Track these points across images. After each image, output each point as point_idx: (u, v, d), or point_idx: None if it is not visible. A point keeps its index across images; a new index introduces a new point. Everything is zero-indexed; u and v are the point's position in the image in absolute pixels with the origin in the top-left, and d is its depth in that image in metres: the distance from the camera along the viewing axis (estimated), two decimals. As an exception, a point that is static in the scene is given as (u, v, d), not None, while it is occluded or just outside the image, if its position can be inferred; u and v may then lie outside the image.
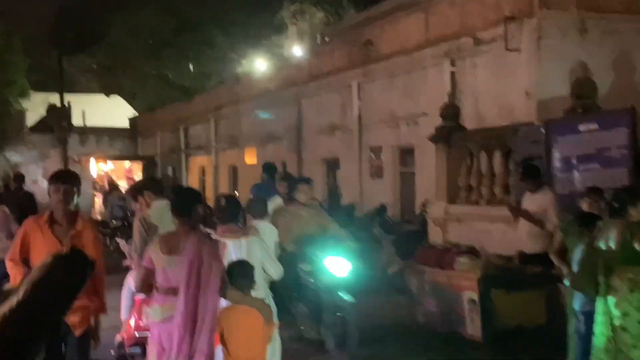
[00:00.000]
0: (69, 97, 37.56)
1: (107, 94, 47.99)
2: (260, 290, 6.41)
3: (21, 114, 43.30)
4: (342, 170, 19.97)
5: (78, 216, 5.59)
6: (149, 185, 7.67)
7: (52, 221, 5.48)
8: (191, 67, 37.58)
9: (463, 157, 12.86)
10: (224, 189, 26.80)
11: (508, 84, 13.92)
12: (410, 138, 16.86)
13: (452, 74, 15.44)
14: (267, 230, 7.67)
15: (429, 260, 9.48)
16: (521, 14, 13.47)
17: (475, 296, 8.39)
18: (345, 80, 19.23)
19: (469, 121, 14.08)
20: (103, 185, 29.27)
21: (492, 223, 11.63)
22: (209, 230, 6.75)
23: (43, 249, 5.25)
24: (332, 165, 20.62)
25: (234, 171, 26.51)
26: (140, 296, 6.85)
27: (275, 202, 9.72)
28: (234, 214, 6.89)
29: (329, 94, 20.20)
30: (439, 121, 15.70)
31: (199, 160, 29.73)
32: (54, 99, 38.52)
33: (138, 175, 30.91)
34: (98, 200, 29.42)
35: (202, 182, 29.52)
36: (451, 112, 13.25)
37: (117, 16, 38.09)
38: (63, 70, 38.47)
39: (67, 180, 5.55)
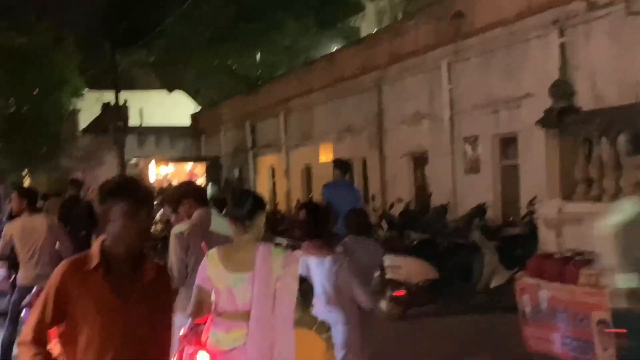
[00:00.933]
0: (125, 95, 37.52)
1: (169, 89, 47.99)
2: (348, 319, 6.15)
3: (74, 114, 43.56)
4: (431, 166, 18.94)
5: (145, 257, 3.74)
6: (190, 193, 6.85)
7: (106, 266, 3.59)
8: (258, 56, 37.10)
9: (579, 144, 11.71)
10: (296, 191, 26.08)
11: (632, 56, 12.74)
12: (511, 125, 15.76)
13: (562, 46, 14.33)
14: (367, 249, 7.27)
15: (545, 272, 8.43)
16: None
17: (607, 317, 7.31)
18: (433, 60, 18.23)
19: (584, 102, 12.89)
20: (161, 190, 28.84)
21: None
22: (280, 240, 6.25)
23: (91, 317, 3.54)
24: (419, 160, 19.61)
25: (307, 171, 25.74)
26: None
27: None
28: (318, 227, 6.46)
29: (413, 77, 19.22)
30: (546, 103, 14.60)
31: (268, 160, 29.06)
32: (110, 97, 38.52)
33: (202, 179, 30.46)
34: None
35: (272, 185, 28.86)
36: (563, 90, 12.03)
37: (173, 4, 37.85)
38: (117, 65, 38.41)
39: (133, 194, 3.64)
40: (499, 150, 16.56)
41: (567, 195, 11.85)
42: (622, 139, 10.93)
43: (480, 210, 14.93)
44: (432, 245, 13.68)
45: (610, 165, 11.09)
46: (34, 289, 8.72)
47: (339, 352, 6.03)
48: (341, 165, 12.31)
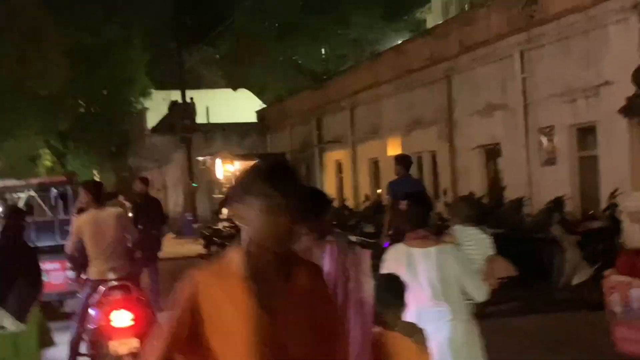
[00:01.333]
0: (191, 94, 37.49)
1: (234, 87, 47.87)
2: (456, 314, 5.59)
3: (142, 113, 43.75)
4: (504, 158, 18.30)
5: (295, 259, 3.03)
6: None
7: (252, 275, 2.87)
8: (323, 50, 36.70)
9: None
10: (364, 186, 25.63)
11: None
12: (590, 114, 15.07)
13: (643, 30, 13.60)
14: (475, 239, 7.04)
15: (637, 269, 7.86)
16: None
17: None
18: (505, 49, 17.59)
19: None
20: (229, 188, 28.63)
21: None
22: (353, 238, 5.78)
23: (234, 337, 2.83)
24: (492, 152, 18.99)
25: (375, 165, 25.26)
26: None
27: None
28: (421, 216, 5.95)
29: (485, 67, 18.59)
30: (627, 90, 13.93)
31: (335, 155, 28.65)
32: (176, 96, 38.52)
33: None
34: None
35: (339, 180, 28.45)
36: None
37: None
38: (184, 63, 38.40)
39: (293, 187, 2.87)
40: (576, 140, 15.86)
41: (654, 186, 11.24)
42: None
43: (558, 203, 14.28)
44: (509, 240, 13.08)
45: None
46: (101, 287, 8.49)
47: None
48: (402, 161, 12.04)
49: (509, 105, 17.58)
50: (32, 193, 13.69)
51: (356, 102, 26.27)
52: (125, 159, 42.67)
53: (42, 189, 14.01)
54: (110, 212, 9.04)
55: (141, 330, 8.30)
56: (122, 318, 8.25)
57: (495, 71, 18.16)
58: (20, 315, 8.27)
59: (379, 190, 23.15)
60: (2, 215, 13.74)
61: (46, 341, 8.50)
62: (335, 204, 23.69)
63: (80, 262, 9.11)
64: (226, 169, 30.95)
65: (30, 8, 31.01)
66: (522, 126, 17.06)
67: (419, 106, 21.73)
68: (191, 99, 37.21)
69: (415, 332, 4.97)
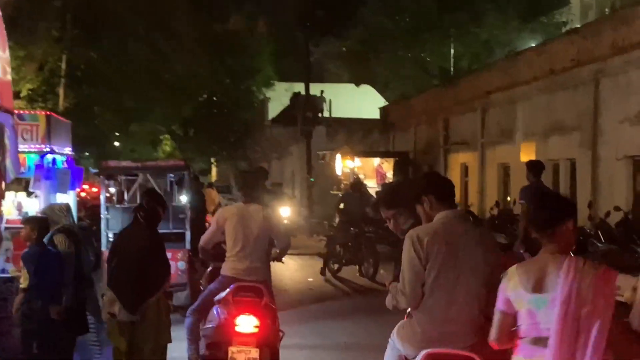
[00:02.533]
0: (314, 87, 36.61)
1: (357, 83, 46.88)
2: None
3: (264, 104, 43.24)
4: (656, 172, 16.50)
5: None
6: (431, 187, 5.31)
7: None
8: (452, 49, 35.20)
9: None
10: (492, 192, 24.05)
11: None
12: None
13: None
14: None
15: None
16: None
17: None
18: (666, 51, 15.82)
19: None
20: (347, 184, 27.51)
21: None
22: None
23: None
24: (641, 164, 17.21)
25: (504, 170, 23.65)
26: None
27: None
28: None
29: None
30: None
31: (461, 158, 27.13)
32: (299, 88, 37.72)
33: (389, 174, 28.91)
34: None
35: (465, 184, 26.91)
36: None
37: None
38: (310, 55, 37.52)
39: None
40: None
41: None
42: None
43: None
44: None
45: None
46: (231, 287, 7.53)
47: None
48: (534, 167, 11.73)
49: (667, 114, 15.80)
50: (148, 177, 12.80)
51: (488, 103, 24.68)
52: (244, 149, 42.16)
53: (158, 172, 13.14)
54: (258, 208, 8.06)
55: (263, 340, 7.31)
56: (247, 323, 7.28)
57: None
58: (132, 306, 7.38)
59: (508, 198, 21.53)
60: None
61: (164, 337, 7.59)
62: (462, 208, 22.30)
63: (212, 254, 8.22)
64: (346, 164, 29.87)
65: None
66: (682, 137, 15.27)
67: (559, 110, 20.03)
68: (321, 92, 36.32)
69: None
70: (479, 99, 25.10)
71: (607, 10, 34.79)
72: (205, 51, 33.21)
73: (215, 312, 7.64)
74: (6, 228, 9.74)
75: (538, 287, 4.22)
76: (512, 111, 22.83)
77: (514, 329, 4.39)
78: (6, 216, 9.78)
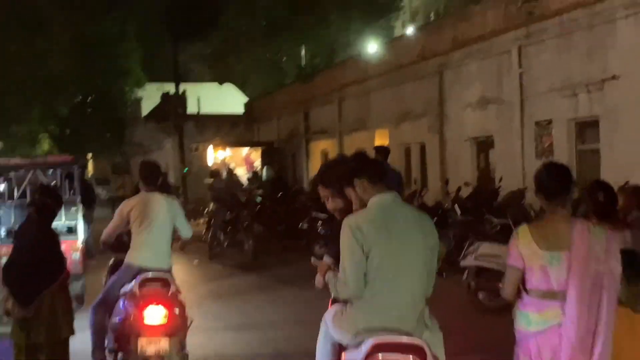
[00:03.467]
0: (181, 87, 35.72)
1: (220, 82, 46.08)
2: None
3: (137, 102, 41.77)
4: (497, 151, 16.68)
5: None
6: (364, 169, 4.50)
7: None
8: (303, 50, 35.08)
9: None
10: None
11: None
12: (592, 108, 13.48)
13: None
14: None
15: None
16: None
17: None
18: (501, 45, 15.95)
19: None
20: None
21: None
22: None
23: None
24: (484, 145, 17.38)
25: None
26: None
27: None
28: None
29: (479, 62, 16.95)
30: (635, 84, 12.47)
31: (321, 145, 26.91)
32: (168, 87, 36.71)
33: (258, 162, 28.39)
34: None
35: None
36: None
37: (231, -1, 36.09)
38: (178, 57, 36.49)
39: None
40: (575, 134, 14.27)
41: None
42: None
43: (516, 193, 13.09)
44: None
45: None
46: (137, 279, 6.76)
47: None
48: (381, 151, 11.64)
49: (504, 99, 15.97)
50: (37, 172, 11.76)
51: (344, 95, 24.54)
52: (119, 145, 40.61)
53: (48, 168, 12.12)
54: (160, 196, 7.20)
55: (173, 331, 6.61)
56: (156, 314, 6.54)
57: (490, 66, 16.53)
58: (23, 301, 6.50)
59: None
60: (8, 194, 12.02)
61: (64, 330, 6.76)
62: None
63: (116, 246, 7.37)
64: (217, 155, 29.14)
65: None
66: (518, 119, 15.44)
67: (409, 100, 20.06)
68: (184, 91, 35.42)
69: None
70: (336, 92, 24.91)
71: (432, 14, 35.63)
72: (79, 51, 31.56)
73: (121, 305, 6.86)
74: None
75: (552, 245, 4.15)
76: (366, 102, 22.74)
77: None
78: None
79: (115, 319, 6.84)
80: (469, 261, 10.12)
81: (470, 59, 17.23)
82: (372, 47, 26.44)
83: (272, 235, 17.91)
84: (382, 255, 4.17)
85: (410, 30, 25.17)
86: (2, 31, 27.26)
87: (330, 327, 4.42)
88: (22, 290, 6.57)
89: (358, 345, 4.13)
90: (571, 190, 4.28)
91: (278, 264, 15.40)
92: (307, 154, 28.12)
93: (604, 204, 5.16)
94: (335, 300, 4.67)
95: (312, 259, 4.78)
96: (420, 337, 4.16)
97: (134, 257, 7.02)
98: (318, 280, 4.57)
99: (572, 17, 13.75)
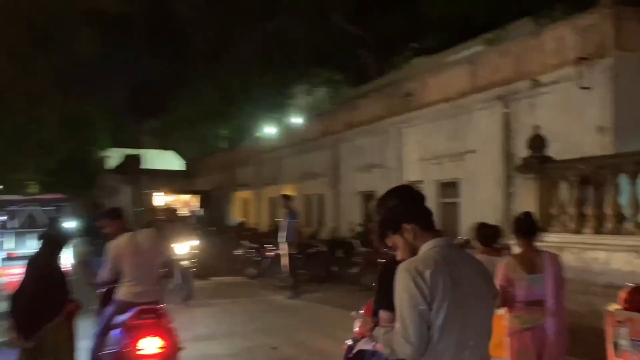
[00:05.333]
0: (136, 151, 33.31)
1: (166, 149, 43.65)
2: None
3: (102, 160, 38.81)
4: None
5: None
6: (415, 214, 2.59)
7: None
8: (225, 131, 33.45)
9: (554, 187, 8.42)
10: (265, 217, 22.06)
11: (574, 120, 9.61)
12: (454, 173, 12.40)
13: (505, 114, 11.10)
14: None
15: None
16: (594, 54, 9.21)
17: None
18: (384, 127, 14.78)
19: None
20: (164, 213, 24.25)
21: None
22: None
23: None
24: (369, 197, 16.03)
25: (272, 202, 21.78)
26: None
27: None
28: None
29: (366, 138, 15.71)
30: (486, 156, 11.44)
31: (243, 194, 24.90)
32: (126, 151, 34.32)
33: (196, 206, 25.93)
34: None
35: (246, 211, 24.68)
36: (538, 143, 8.79)
37: (179, 89, 34.06)
38: (137, 131, 33.91)
39: None
40: (439, 191, 13.13)
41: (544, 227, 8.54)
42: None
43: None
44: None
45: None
46: (132, 311, 4.73)
47: None
48: (287, 196, 11.46)
49: (386, 165, 14.73)
50: (35, 207, 9.40)
51: (262, 159, 22.76)
52: (89, 191, 37.20)
53: (44, 204, 9.76)
54: (147, 232, 5.20)
55: (168, 359, 4.59)
56: (152, 345, 4.51)
57: (375, 141, 15.31)
58: (26, 333, 4.52)
59: (276, 220, 19.49)
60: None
61: None
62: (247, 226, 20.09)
63: (109, 285, 5.21)
64: (166, 200, 26.50)
65: (38, 76, 25.72)
66: (397, 180, 14.16)
67: (311, 164, 18.55)
68: (141, 154, 32.83)
69: None
70: (255, 157, 23.11)
71: (311, 111, 34.88)
72: (67, 123, 28.47)
73: (115, 336, 4.81)
74: None
75: (532, 270, 4.08)
76: (278, 164, 21.05)
77: None
78: None
79: (110, 350, 4.75)
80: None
81: (359, 136, 15.96)
82: (271, 129, 25.23)
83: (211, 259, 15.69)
84: (449, 307, 2.42)
85: (296, 120, 24.32)
86: (7, 102, 23.96)
87: None
88: (26, 322, 4.46)
89: None
90: (537, 232, 4.17)
91: (222, 283, 13.26)
92: (232, 201, 25.99)
93: (488, 237, 4.67)
94: (351, 348, 2.91)
95: (353, 313, 3.00)
96: None
97: (123, 293, 4.99)
98: (376, 344, 2.74)
99: (439, 107, 12.74)
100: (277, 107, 32.77)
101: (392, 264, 2.59)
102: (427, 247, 2.52)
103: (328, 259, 12.87)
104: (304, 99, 34.86)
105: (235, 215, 25.07)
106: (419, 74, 13.86)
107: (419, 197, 2.87)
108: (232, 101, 30.29)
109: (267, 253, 12.81)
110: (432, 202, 12.52)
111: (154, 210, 26.69)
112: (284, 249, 11.12)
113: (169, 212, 17.69)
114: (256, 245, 14.12)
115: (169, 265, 5.42)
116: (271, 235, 15.76)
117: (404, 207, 2.66)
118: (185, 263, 10.35)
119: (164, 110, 36.36)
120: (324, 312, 9.68)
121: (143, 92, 34.58)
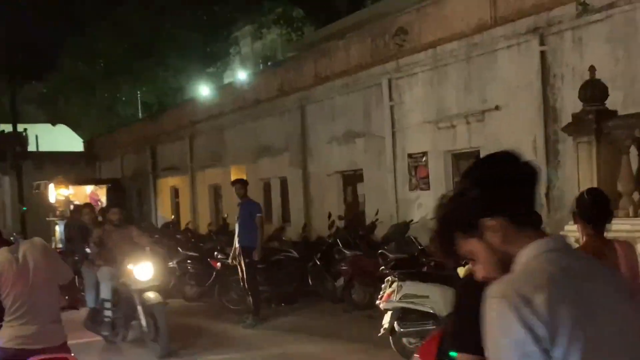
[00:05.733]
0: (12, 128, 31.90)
1: (53, 123, 42.39)
2: None
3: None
4: (366, 184, 14.96)
5: None
6: (501, 202, 1.82)
7: None
8: (139, 94, 32.51)
9: (618, 153, 8.14)
10: (204, 210, 21.50)
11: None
12: (472, 140, 12.10)
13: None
14: None
15: None
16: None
17: None
18: (369, 79, 14.36)
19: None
20: (64, 211, 23.41)
21: None
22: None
23: None
24: (352, 178, 15.63)
25: (215, 191, 21.22)
26: None
27: None
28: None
29: (344, 97, 15.27)
30: (516, 115, 11.21)
31: (171, 181, 24.21)
32: (3, 127, 32.71)
33: (104, 198, 25.11)
34: (59, 228, 23.39)
35: (176, 205, 24.04)
36: (595, 92, 8.44)
37: (71, 40, 32.87)
38: (15, 98, 32.58)
39: None
40: (452, 166, 12.81)
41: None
42: None
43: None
44: (416, 264, 9.73)
45: None
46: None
47: None
48: (239, 183, 11.56)
49: (373, 132, 14.33)
50: None
51: (195, 132, 22.09)
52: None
53: None
54: (32, 244, 4.65)
55: None
56: None
57: (356, 100, 14.86)
58: None
59: (225, 215, 18.96)
60: None
61: None
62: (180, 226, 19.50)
63: None
64: (60, 193, 25.53)
65: None
66: (390, 152, 13.83)
67: (267, 135, 18.02)
68: (25, 129, 31.54)
69: None
70: (186, 129, 22.43)
71: (260, 62, 34.13)
72: None
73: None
74: None
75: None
76: (220, 138, 20.44)
77: None
78: None
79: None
80: (392, 303, 8.14)
81: (334, 93, 15.49)
82: (206, 90, 24.61)
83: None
84: (583, 350, 1.77)
85: (241, 76, 23.74)
86: None
87: None
88: None
89: None
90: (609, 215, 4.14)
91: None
92: (155, 191, 25.26)
93: (602, 213, 4.23)
94: None
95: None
96: None
97: (9, 338, 4.46)
98: None
99: (445, 49, 12.37)
100: (212, 57, 32.03)
101: (476, 284, 2.05)
102: (529, 255, 1.87)
103: (299, 269, 12.48)
104: (251, 45, 34.27)
105: (162, 212, 24.43)
106: (414, 2, 13.46)
107: (529, 172, 2.14)
108: (145, 52, 29.42)
109: (213, 263, 12.33)
110: (442, 182, 12.27)
111: (53, 208, 25.82)
112: (240, 258, 10.67)
113: (88, 210, 16.88)
114: (196, 254, 13.66)
115: (73, 290, 4.87)
116: (216, 238, 15.32)
117: (482, 189, 2.02)
118: (151, 296, 8.81)
119: (50, 68, 35.35)
120: (298, 345, 9.30)
121: (20, 44, 33.26)
